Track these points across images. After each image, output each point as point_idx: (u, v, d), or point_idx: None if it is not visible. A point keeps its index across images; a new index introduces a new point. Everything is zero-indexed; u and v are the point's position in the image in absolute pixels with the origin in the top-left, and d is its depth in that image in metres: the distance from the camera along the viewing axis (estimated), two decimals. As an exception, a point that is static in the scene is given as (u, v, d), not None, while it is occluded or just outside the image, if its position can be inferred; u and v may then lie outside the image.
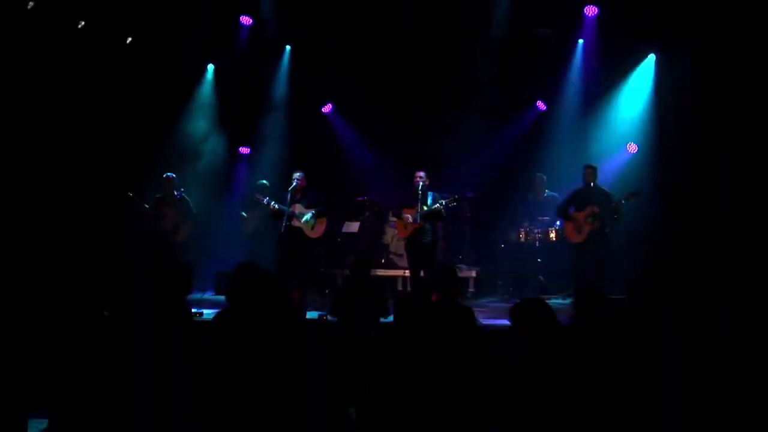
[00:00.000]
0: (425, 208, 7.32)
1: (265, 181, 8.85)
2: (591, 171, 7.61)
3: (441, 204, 7.27)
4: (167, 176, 8.21)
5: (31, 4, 7.71)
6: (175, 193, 8.17)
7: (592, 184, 7.58)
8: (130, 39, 8.95)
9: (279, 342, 3.54)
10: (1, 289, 4.93)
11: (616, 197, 7.40)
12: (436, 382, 3.36)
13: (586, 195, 7.58)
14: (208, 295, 8.34)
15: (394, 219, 8.25)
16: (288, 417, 3.48)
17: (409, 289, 8.28)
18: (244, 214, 9.36)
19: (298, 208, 7.52)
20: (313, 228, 7.58)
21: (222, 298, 7.50)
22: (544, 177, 8.94)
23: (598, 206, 7.38)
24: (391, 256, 9.27)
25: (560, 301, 8.41)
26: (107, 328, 3.84)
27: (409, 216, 7.43)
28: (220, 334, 3.64)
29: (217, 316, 3.83)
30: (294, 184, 7.54)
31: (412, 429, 3.31)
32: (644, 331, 3.61)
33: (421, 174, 7.47)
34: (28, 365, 3.86)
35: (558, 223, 8.43)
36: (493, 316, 6.93)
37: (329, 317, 6.62)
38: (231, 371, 3.41)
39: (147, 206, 8.07)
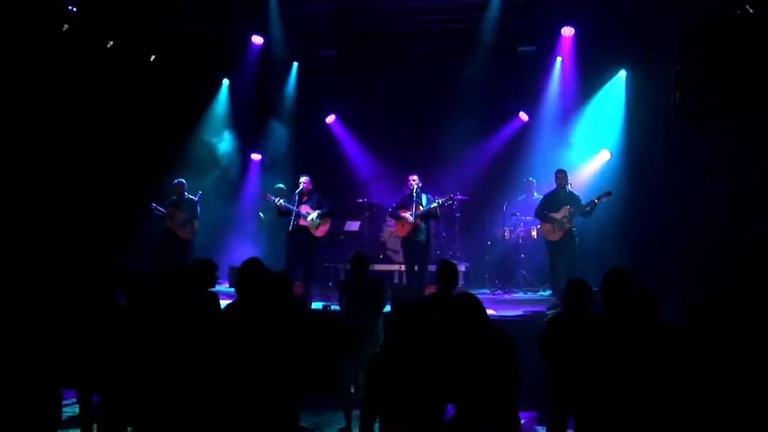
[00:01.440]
0: (421, 208, 7.56)
1: (282, 185, 9.18)
2: (562, 175, 7.77)
3: (438, 203, 7.52)
4: (178, 182, 8.61)
5: (66, 26, 8.00)
6: (187, 195, 8.55)
7: (564, 186, 7.74)
8: (153, 57, 9.24)
9: (282, 328, 3.67)
10: (43, 280, 5.15)
11: (589, 197, 7.63)
12: (438, 363, 3.40)
13: (559, 197, 7.73)
14: (222, 288, 8.59)
15: (392, 219, 8.42)
16: (292, 395, 3.67)
17: (404, 281, 8.43)
18: (261, 214, 9.74)
19: (305, 208, 7.69)
20: (318, 227, 7.77)
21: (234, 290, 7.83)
22: (534, 181, 9.21)
23: (571, 207, 7.58)
24: (388, 252, 9.50)
25: (541, 293, 8.71)
26: (131, 316, 4.01)
27: (406, 215, 7.66)
28: (229, 322, 3.79)
29: (227, 307, 3.98)
30: (301, 187, 7.76)
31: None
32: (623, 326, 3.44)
33: (415, 177, 7.73)
34: (62, 348, 4.12)
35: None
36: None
37: (332, 307, 6.81)
38: (238, 354, 3.56)
39: (156, 211, 8.47)
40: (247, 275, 3.88)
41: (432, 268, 7.73)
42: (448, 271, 4.62)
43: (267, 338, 3.56)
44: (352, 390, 5.11)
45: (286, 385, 3.57)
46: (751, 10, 6.99)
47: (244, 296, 3.85)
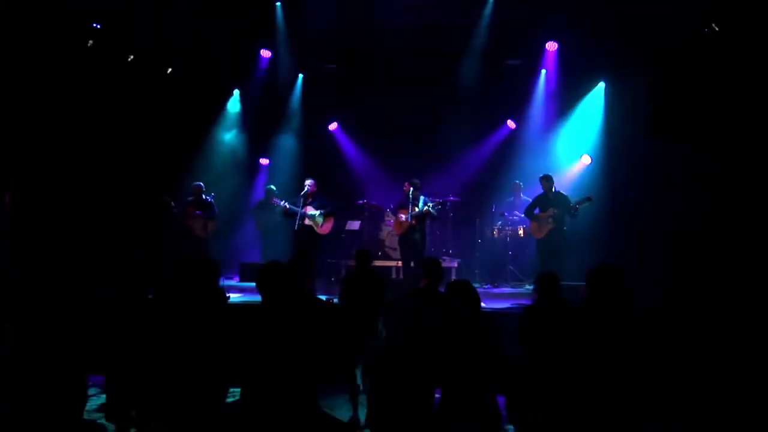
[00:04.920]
0: (417, 209, 7.69)
1: (273, 186, 9.34)
2: (546, 180, 7.95)
3: (429, 206, 7.65)
4: (196, 185, 8.83)
5: (90, 42, 8.19)
6: (204, 197, 8.74)
7: (550, 190, 7.89)
8: (170, 70, 9.41)
9: (298, 321, 3.66)
10: (67, 274, 5.14)
11: (572, 201, 7.78)
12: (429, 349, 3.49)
13: (546, 199, 7.91)
14: (234, 282, 8.64)
15: (390, 218, 8.55)
16: (303, 376, 3.63)
17: (401, 277, 8.49)
18: (255, 214, 9.84)
19: (309, 209, 7.77)
20: (321, 226, 7.83)
21: (245, 284, 7.90)
22: (521, 184, 9.36)
23: (556, 208, 7.72)
24: (386, 249, 9.58)
25: (527, 286, 8.77)
26: (152, 308, 4.04)
27: (402, 215, 7.78)
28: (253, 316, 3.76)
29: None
30: (306, 189, 7.95)
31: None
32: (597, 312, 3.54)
33: (416, 181, 7.82)
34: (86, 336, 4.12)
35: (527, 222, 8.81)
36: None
37: (334, 300, 6.83)
38: (264, 341, 3.55)
39: (174, 207, 8.54)
40: (267, 277, 3.67)
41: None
42: (433, 267, 4.70)
43: (291, 331, 3.49)
44: (358, 381, 5.05)
45: (306, 372, 3.50)
46: (717, 28, 7.11)
47: (266, 295, 3.69)
